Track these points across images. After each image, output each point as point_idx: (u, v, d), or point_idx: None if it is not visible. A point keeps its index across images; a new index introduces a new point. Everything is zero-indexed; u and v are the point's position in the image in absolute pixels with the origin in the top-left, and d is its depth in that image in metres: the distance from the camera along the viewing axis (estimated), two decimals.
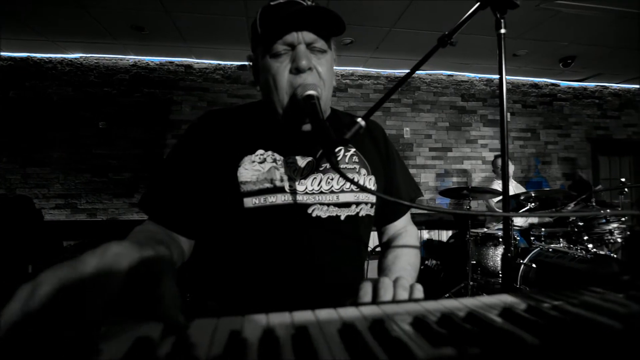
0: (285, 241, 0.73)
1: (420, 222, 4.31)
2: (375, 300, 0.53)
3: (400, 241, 0.91)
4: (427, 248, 4.26)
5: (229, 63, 4.40)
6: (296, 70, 0.70)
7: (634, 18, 3.28)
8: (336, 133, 0.59)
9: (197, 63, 4.32)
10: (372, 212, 0.83)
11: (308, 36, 0.71)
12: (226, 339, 0.31)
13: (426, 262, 4.08)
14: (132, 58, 4.12)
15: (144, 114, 4.09)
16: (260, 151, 0.76)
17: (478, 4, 0.83)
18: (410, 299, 0.53)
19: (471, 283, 3.05)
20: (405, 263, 0.83)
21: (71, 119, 3.93)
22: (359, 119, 0.59)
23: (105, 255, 0.37)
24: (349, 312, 0.39)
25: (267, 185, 0.73)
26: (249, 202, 0.71)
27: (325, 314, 0.39)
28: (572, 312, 0.36)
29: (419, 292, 0.56)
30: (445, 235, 4.59)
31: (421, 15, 3.28)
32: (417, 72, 4.18)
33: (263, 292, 0.73)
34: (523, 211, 3.11)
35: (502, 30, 0.87)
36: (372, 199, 0.82)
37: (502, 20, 0.86)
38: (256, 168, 0.74)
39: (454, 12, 3.22)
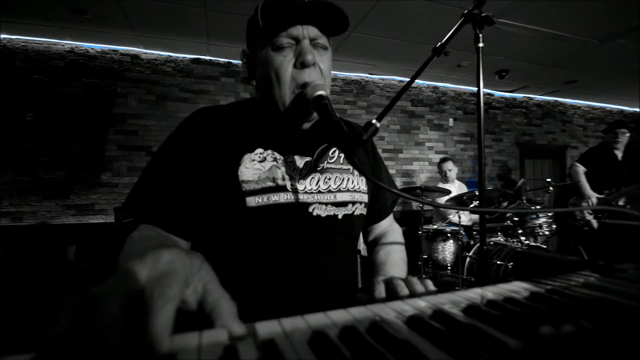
0: (288, 239, 0.73)
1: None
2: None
3: (388, 238, 0.95)
4: None
5: (181, 55, 4.15)
6: (301, 65, 0.70)
7: (558, 39, 3.77)
8: (353, 134, 0.60)
9: (145, 53, 4.01)
10: (364, 211, 0.86)
11: (312, 31, 0.71)
12: (307, 340, 0.31)
13: None
14: (68, 43, 3.68)
15: (83, 106, 3.69)
16: (260, 150, 0.75)
17: (462, 19, 0.91)
18: (431, 292, 0.57)
19: (423, 276, 3.27)
20: (397, 258, 0.87)
21: None
22: (374, 121, 0.61)
23: (159, 263, 0.34)
24: (398, 306, 0.41)
25: (270, 184, 0.72)
26: (252, 201, 0.70)
27: (376, 309, 0.40)
28: (586, 293, 0.42)
29: (431, 286, 0.59)
30: None
31: (381, 22, 3.43)
32: (371, 76, 4.36)
33: (266, 291, 0.72)
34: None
35: (480, 44, 0.96)
36: (365, 199, 0.85)
37: (480, 35, 0.96)
38: (257, 167, 0.73)
39: (412, 21, 3.42)
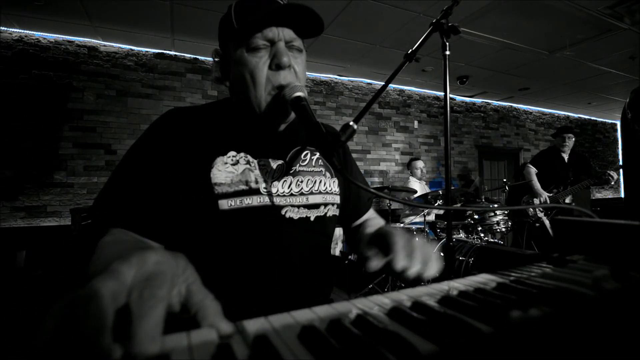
0: (262, 242, 0.73)
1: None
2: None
3: (372, 221, 0.98)
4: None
5: (143, 50, 3.97)
6: (276, 67, 0.70)
7: (513, 49, 4.05)
8: (332, 136, 0.62)
9: (104, 46, 3.79)
10: (337, 212, 0.88)
11: (288, 34, 0.72)
12: (297, 335, 0.33)
13: (349, 256, 4.35)
14: (16, 31, 3.39)
15: (34, 100, 3.41)
16: (232, 152, 0.74)
17: (431, 27, 0.96)
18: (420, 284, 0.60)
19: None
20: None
21: None
22: (351, 123, 0.63)
23: (146, 264, 0.34)
24: (379, 299, 0.43)
25: (243, 187, 0.72)
26: (225, 204, 0.70)
27: (358, 303, 0.42)
28: (544, 282, 0.47)
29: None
30: None
31: (350, 25, 3.49)
32: (340, 78, 4.42)
33: (241, 292, 0.72)
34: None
35: (447, 52, 1.02)
36: (337, 200, 0.87)
37: (447, 43, 1.01)
38: (229, 170, 0.73)
39: (380, 26, 3.51)
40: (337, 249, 4.71)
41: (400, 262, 0.56)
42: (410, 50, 0.87)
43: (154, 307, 0.30)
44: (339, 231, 4.79)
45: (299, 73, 0.74)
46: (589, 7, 3.18)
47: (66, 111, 3.55)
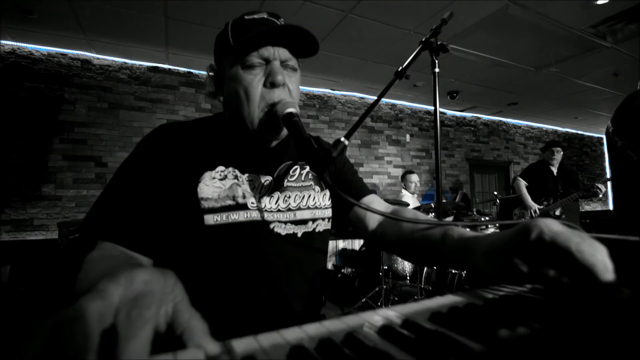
0: (248, 258, 0.72)
1: (335, 232, 4.54)
2: None
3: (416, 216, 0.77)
4: (342, 257, 4.50)
5: (137, 63, 3.99)
6: (271, 85, 0.71)
7: (501, 66, 4.16)
8: (323, 152, 0.63)
9: (98, 59, 3.80)
10: (329, 225, 0.87)
11: (283, 53, 0.73)
12: (286, 354, 0.32)
13: (342, 270, 4.32)
14: (8, 44, 3.38)
15: (24, 112, 3.37)
16: (221, 167, 0.74)
17: (420, 46, 0.98)
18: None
19: (384, 287, 3.35)
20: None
21: None
22: (343, 139, 0.64)
23: (134, 284, 0.33)
24: (369, 317, 0.43)
25: (230, 202, 0.71)
26: (210, 219, 0.69)
27: (349, 320, 0.42)
28: (534, 297, 0.47)
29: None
30: (357, 244, 4.93)
31: (342, 41, 3.56)
32: (333, 92, 4.47)
33: (227, 309, 0.70)
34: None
35: (436, 69, 1.05)
36: (328, 214, 0.86)
37: (436, 61, 1.04)
38: (217, 185, 0.72)
39: (372, 42, 3.59)
40: (329, 262, 4.68)
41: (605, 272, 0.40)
42: (400, 67, 0.89)
43: (141, 328, 0.30)
44: (331, 244, 4.78)
45: (293, 91, 0.75)
46: (573, 26, 3.30)
47: (57, 123, 3.52)
